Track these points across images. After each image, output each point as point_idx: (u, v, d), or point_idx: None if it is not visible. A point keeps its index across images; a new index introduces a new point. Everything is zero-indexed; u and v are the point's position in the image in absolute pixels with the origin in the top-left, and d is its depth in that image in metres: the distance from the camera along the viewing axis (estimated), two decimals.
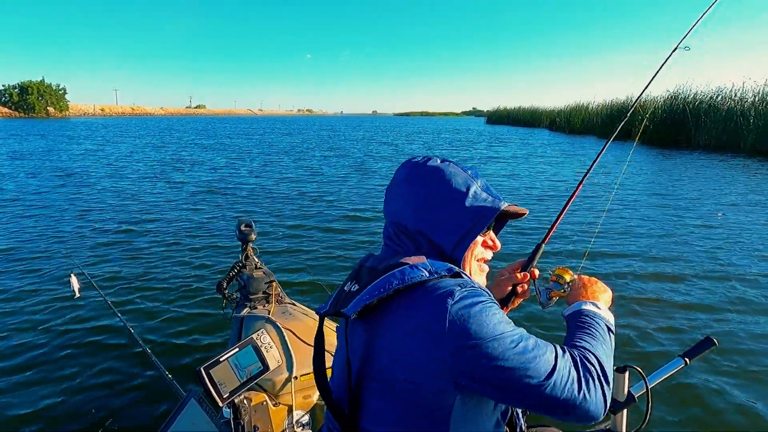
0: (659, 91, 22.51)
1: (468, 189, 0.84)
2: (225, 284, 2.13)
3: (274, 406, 1.57)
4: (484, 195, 0.86)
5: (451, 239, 0.83)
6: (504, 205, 0.86)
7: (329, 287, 3.34)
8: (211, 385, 1.13)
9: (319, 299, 3.48)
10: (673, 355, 1.24)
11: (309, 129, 40.18)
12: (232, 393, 1.15)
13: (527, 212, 0.92)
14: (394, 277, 0.74)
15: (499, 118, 53.68)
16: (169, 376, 1.86)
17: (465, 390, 0.71)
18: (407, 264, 0.76)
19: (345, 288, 0.84)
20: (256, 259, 2.21)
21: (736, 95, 18.35)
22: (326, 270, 4.36)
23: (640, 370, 1.08)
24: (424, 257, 0.79)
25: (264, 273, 2.14)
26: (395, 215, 0.86)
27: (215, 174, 10.74)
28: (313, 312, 2.11)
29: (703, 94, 19.65)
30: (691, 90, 20.24)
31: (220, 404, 1.14)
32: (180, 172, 10.92)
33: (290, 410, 1.60)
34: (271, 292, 2.09)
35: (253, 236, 2.17)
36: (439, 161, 0.87)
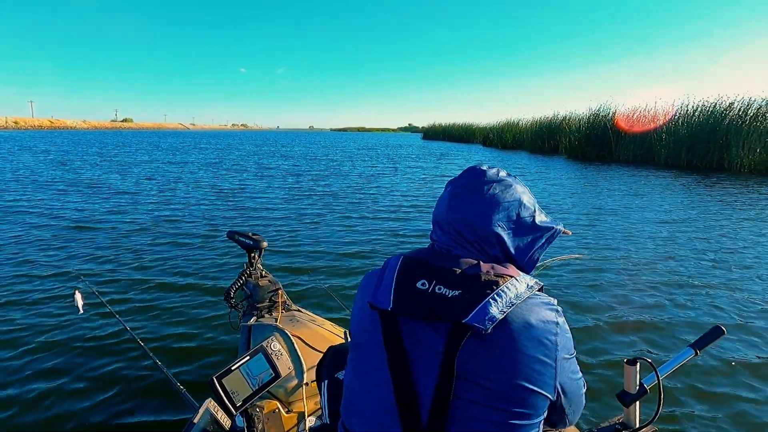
0: (583, 109, 24.09)
1: (535, 207, 0.92)
2: (232, 293, 2.13)
3: (286, 413, 1.59)
4: (544, 216, 0.93)
5: (526, 253, 0.89)
6: (562, 228, 0.95)
7: (335, 293, 3.38)
8: (224, 394, 1.14)
9: (325, 305, 3.52)
10: (682, 345, 1.16)
11: (245, 144, 38.79)
12: (245, 401, 1.17)
13: (570, 233, 1.00)
14: (509, 290, 0.77)
15: (434, 133, 55.22)
16: (181, 387, 1.82)
17: (555, 397, 0.79)
18: (512, 276, 0.80)
19: (418, 286, 0.80)
20: (261, 268, 2.23)
21: (649, 114, 19.94)
22: (331, 276, 4.36)
23: (650, 361, 1.10)
24: (514, 268, 0.84)
25: (269, 281, 2.16)
26: (465, 221, 0.86)
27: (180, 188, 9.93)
28: (320, 318, 2.14)
29: (621, 113, 21.17)
30: (610, 109, 21.77)
31: (234, 413, 1.15)
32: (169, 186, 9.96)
33: (302, 416, 1.59)
34: (277, 300, 2.11)
35: (264, 244, 2.20)
36: (505, 173, 0.92)
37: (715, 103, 17.20)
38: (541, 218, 0.91)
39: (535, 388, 0.75)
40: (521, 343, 0.74)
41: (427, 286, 0.79)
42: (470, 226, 0.86)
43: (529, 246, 0.89)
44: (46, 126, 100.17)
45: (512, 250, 0.87)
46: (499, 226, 0.86)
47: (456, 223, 0.87)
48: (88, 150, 24.23)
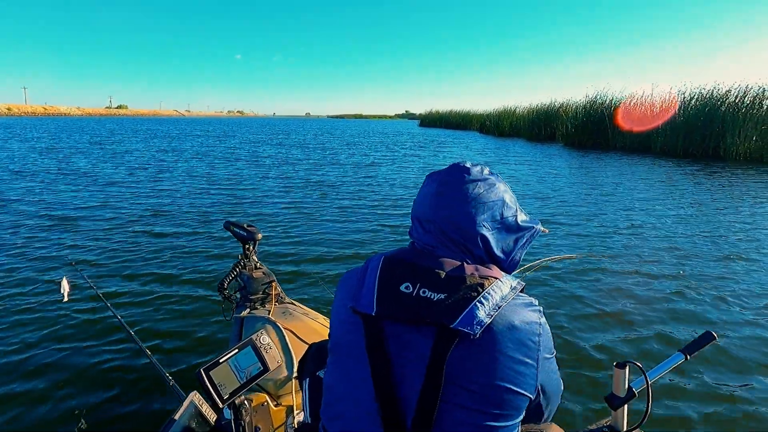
0: (580, 96, 23.99)
1: (517, 206, 0.91)
2: (225, 285, 2.12)
3: (274, 406, 1.58)
4: (524, 215, 0.92)
5: (509, 254, 0.89)
6: (541, 227, 0.93)
7: (329, 287, 3.47)
8: (212, 386, 1.14)
9: (319, 299, 3.49)
10: (672, 350, 1.17)
11: (242, 131, 38.43)
12: (233, 394, 1.17)
13: (548, 231, 0.99)
14: (494, 292, 0.76)
15: (431, 121, 54.93)
16: (169, 377, 1.80)
17: (535, 396, 0.79)
18: (497, 278, 0.79)
19: (402, 289, 0.78)
20: (256, 259, 2.23)
21: (646, 101, 19.85)
22: (326, 269, 4.33)
23: (640, 365, 1.10)
24: (498, 269, 0.84)
25: (264, 273, 2.16)
26: (449, 220, 0.84)
27: (189, 177, 9.89)
28: (313, 311, 2.13)
29: (617, 99, 21.07)
30: (607, 96, 21.65)
31: (221, 405, 1.15)
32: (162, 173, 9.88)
33: (291, 410, 1.59)
34: (271, 292, 2.11)
35: (260, 235, 2.20)
36: (488, 171, 0.90)
37: (712, 91, 17.16)
38: (522, 218, 0.91)
39: (518, 389, 0.75)
40: (505, 345, 0.74)
41: (411, 290, 0.78)
42: (455, 225, 0.84)
43: (512, 246, 0.89)
44: (40, 113, 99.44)
45: (496, 251, 0.86)
46: (484, 226, 0.85)
47: (440, 222, 0.85)
48: (80, 138, 24.03)
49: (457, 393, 0.73)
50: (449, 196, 0.86)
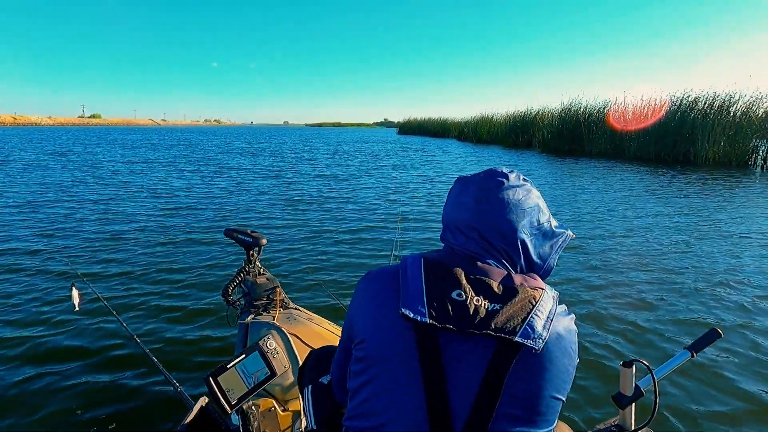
0: (556, 103, 24.52)
1: (549, 212, 0.91)
2: (230, 291, 2.14)
3: (282, 411, 1.58)
4: (555, 221, 0.92)
5: (545, 260, 0.88)
6: (570, 233, 0.93)
7: (333, 292, 3.51)
8: (219, 392, 1.14)
9: (323, 304, 3.50)
10: (678, 347, 1.19)
11: (232, 140, 37.92)
12: (240, 399, 1.17)
13: (574, 236, 0.97)
14: (546, 303, 0.77)
15: (410, 128, 55.39)
16: (177, 384, 1.81)
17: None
18: (543, 289, 0.79)
19: (454, 296, 0.75)
20: (260, 266, 2.23)
21: (618, 109, 20.40)
22: (329, 274, 4.36)
23: (646, 363, 1.10)
24: (539, 278, 0.83)
25: (267, 279, 2.16)
26: (492, 227, 0.84)
27: (196, 183, 9.65)
28: (318, 316, 2.12)
29: (592, 107, 21.60)
30: (581, 103, 22.18)
31: (229, 411, 1.15)
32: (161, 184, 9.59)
33: (297, 415, 1.58)
34: (275, 298, 2.10)
35: (264, 241, 2.19)
36: (522, 177, 0.90)
37: (682, 98, 17.75)
38: (554, 223, 0.91)
39: (561, 396, 0.77)
40: (555, 355, 0.75)
41: (464, 297, 0.75)
42: (498, 232, 0.83)
43: (548, 252, 0.88)
44: (9, 122, 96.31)
45: (534, 257, 0.86)
46: (524, 232, 0.84)
47: (483, 229, 0.84)
48: (56, 149, 23.36)
49: (508, 403, 0.73)
50: (492, 203, 0.85)
